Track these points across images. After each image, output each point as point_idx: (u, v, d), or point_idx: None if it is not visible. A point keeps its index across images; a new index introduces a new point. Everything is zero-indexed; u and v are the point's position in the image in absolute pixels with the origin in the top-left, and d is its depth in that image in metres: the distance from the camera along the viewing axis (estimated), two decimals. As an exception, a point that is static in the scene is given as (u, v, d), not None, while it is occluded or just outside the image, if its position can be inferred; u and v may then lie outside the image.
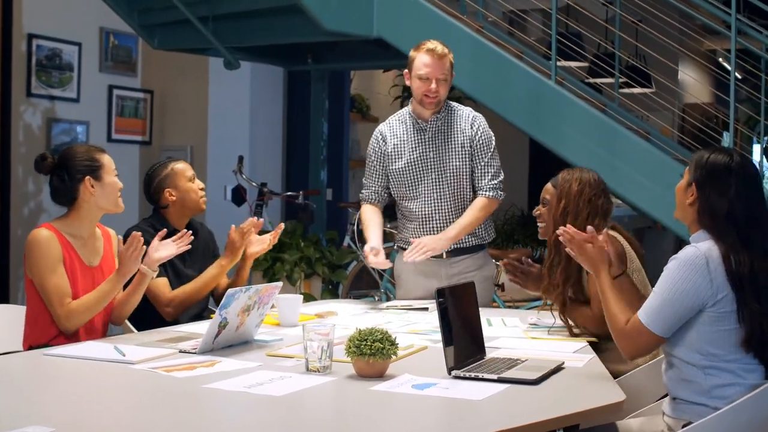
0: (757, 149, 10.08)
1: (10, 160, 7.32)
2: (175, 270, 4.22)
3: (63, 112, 7.84)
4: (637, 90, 9.16)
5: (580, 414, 2.52)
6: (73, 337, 3.60)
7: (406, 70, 4.54)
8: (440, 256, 4.54)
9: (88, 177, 3.70)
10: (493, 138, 4.58)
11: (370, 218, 4.65)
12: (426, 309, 4.27)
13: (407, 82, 4.54)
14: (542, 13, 10.03)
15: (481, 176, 4.53)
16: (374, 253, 4.43)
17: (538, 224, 3.99)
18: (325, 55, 7.82)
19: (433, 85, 4.42)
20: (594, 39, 8.31)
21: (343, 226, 8.44)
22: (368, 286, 7.34)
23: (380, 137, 4.63)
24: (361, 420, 2.47)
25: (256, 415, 2.48)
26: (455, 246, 4.53)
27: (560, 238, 3.18)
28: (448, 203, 4.53)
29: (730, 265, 2.79)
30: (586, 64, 9.19)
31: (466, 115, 4.57)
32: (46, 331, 3.61)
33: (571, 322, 3.75)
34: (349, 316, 4.14)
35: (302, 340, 2.93)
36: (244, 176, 7.49)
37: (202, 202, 4.35)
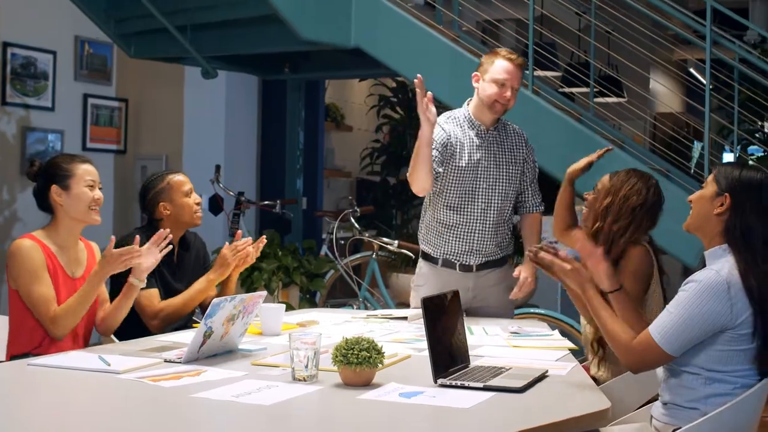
0: (728, 158, 10.18)
1: (-15, 169, 7.29)
2: (165, 283, 4.20)
3: (38, 120, 7.81)
4: (611, 99, 9.24)
5: (567, 421, 2.54)
6: (54, 346, 3.59)
7: (476, 72, 4.45)
8: (470, 269, 4.52)
9: (54, 185, 3.70)
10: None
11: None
12: (406, 318, 4.29)
13: (475, 84, 4.44)
14: (516, 23, 10.10)
15: (532, 194, 4.59)
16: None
17: (584, 209, 4.01)
18: (302, 64, 7.84)
19: (508, 93, 4.38)
20: (567, 48, 8.38)
21: (319, 235, 8.45)
22: (345, 295, 7.36)
23: (445, 127, 4.43)
24: (351, 429, 2.49)
25: (245, 424, 2.48)
26: (485, 259, 4.53)
27: (538, 259, 3.14)
28: (492, 214, 4.49)
29: (750, 284, 2.78)
30: (559, 74, 9.25)
31: (518, 132, 4.59)
32: (29, 340, 3.60)
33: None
34: (331, 325, 4.15)
35: (287, 349, 2.95)
36: (221, 185, 7.48)
37: (197, 217, 4.31)
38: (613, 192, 3.83)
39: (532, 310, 5.79)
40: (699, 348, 2.84)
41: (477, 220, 4.48)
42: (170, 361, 3.21)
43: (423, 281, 4.61)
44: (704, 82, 5.90)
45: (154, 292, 4.12)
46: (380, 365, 2.88)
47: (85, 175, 3.75)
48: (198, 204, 4.33)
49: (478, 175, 4.46)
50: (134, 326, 4.03)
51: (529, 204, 4.60)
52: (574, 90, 8.67)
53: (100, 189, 3.81)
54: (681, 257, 5.16)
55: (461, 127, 4.49)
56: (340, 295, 7.57)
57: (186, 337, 3.52)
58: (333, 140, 10.48)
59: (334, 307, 6.81)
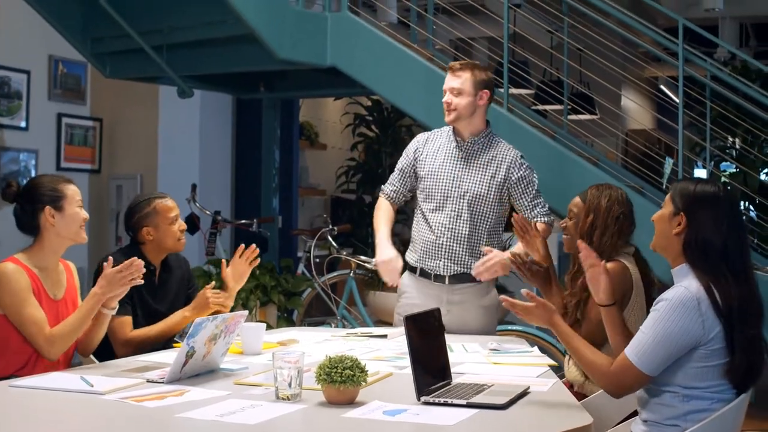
0: (699, 174, 10.28)
1: (-41, 189, 7.24)
2: (145, 305, 4.18)
3: (11, 140, 7.78)
4: (584, 117, 9.31)
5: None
6: (38, 367, 3.58)
7: None
8: (443, 282, 4.58)
9: (48, 207, 3.69)
10: (534, 173, 4.66)
11: (383, 213, 4.71)
12: (385, 336, 4.31)
13: None
14: (488, 40, 10.17)
15: (531, 209, 4.58)
16: (387, 265, 4.54)
17: (563, 236, 4.02)
18: (277, 83, 7.85)
19: (446, 97, 4.54)
20: (540, 66, 8.45)
21: (296, 254, 8.46)
22: (322, 313, 7.36)
23: (418, 142, 4.71)
24: (337, 447, 2.50)
25: (230, 444, 2.50)
26: (459, 272, 4.57)
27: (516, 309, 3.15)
28: (463, 223, 4.55)
29: (715, 299, 2.81)
30: (533, 91, 9.32)
31: (509, 152, 4.62)
32: (12, 362, 3.59)
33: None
34: (312, 344, 4.16)
35: (269, 368, 2.96)
36: (197, 204, 7.49)
37: (179, 244, 4.30)
38: (593, 208, 3.88)
39: (510, 327, 5.82)
40: (675, 366, 2.86)
41: (447, 226, 4.57)
42: (153, 381, 3.21)
43: (404, 290, 4.71)
44: (675, 99, 5.98)
45: (126, 320, 4.07)
46: (363, 383, 2.90)
47: (75, 195, 3.77)
48: (182, 231, 4.32)
49: (450, 183, 4.58)
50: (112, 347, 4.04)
51: (531, 215, 4.58)
52: (548, 107, 8.74)
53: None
54: (656, 272, 5.21)
55: (444, 137, 4.68)
56: (317, 314, 7.57)
57: (168, 357, 3.52)
58: (307, 158, 10.49)
59: (312, 325, 6.82)
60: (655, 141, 10.96)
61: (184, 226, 4.35)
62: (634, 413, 3.15)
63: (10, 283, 3.56)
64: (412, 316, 3.05)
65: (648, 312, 2.99)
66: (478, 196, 4.55)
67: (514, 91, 7.61)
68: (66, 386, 3.12)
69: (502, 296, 3.24)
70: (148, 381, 3.22)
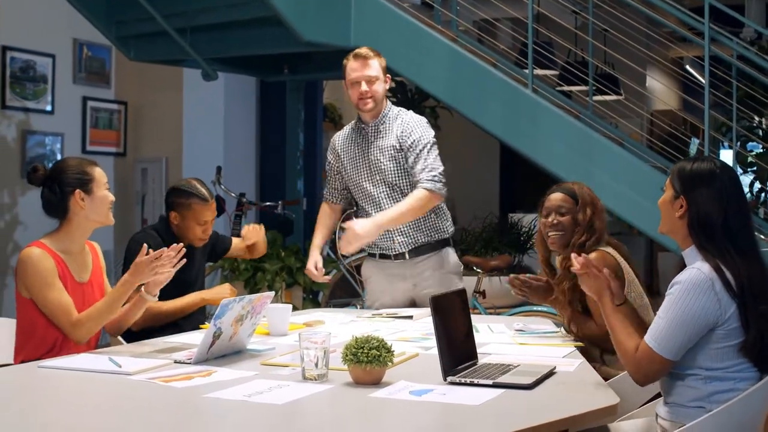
0: (725, 155, 10.21)
1: (-15, 172, 7.31)
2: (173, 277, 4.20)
3: (37, 124, 7.82)
4: (609, 97, 9.26)
5: (577, 417, 2.56)
6: (65, 350, 3.61)
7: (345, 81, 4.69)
8: (402, 257, 4.67)
9: (78, 190, 3.70)
10: (429, 135, 4.62)
11: (320, 219, 4.88)
12: (411, 317, 4.31)
13: (348, 92, 4.68)
14: (513, 21, 10.12)
15: (418, 171, 4.57)
16: (310, 273, 4.72)
17: (552, 233, 3.99)
18: (301, 65, 7.85)
19: (363, 87, 4.57)
20: (565, 47, 8.40)
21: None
22: (348, 294, 7.36)
23: (332, 148, 4.81)
24: (364, 427, 2.51)
25: (258, 424, 2.51)
26: (416, 245, 4.65)
27: (574, 265, 3.08)
28: (388, 202, 4.63)
29: (725, 278, 2.80)
30: (557, 72, 9.27)
31: (401, 118, 4.67)
32: (39, 345, 3.61)
33: (575, 331, 3.82)
34: (338, 325, 4.18)
35: (295, 348, 2.97)
36: (222, 187, 7.50)
37: (197, 242, 4.40)
38: (589, 202, 3.97)
39: (536, 308, 5.81)
40: (695, 348, 2.84)
41: (376, 210, 4.64)
42: (180, 362, 3.23)
43: (368, 275, 4.85)
44: (701, 79, 5.93)
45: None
46: (390, 364, 2.90)
47: (102, 178, 3.79)
48: (207, 234, 4.41)
49: (361, 169, 4.68)
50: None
51: (416, 179, 4.56)
52: (572, 88, 8.69)
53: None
54: (677, 250, 5.19)
55: (348, 131, 4.79)
56: (343, 295, 7.57)
57: (195, 339, 3.54)
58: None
59: (337, 306, 6.83)
60: (681, 122, 10.89)
61: (210, 231, 4.40)
62: (658, 395, 3.14)
63: (36, 268, 3.58)
64: (438, 296, 3.05)
65: (643, 290, 3.00)
66: (389, 175, 4.62)
67: (538, 72, 7.56)
68: (94, 367, 3.14)
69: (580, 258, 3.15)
70: (175, 362, 3.24)
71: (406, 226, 4.63)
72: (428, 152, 4.58)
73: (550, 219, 4.02)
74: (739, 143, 7.78)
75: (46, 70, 7.88)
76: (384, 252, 4.72)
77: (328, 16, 6.07)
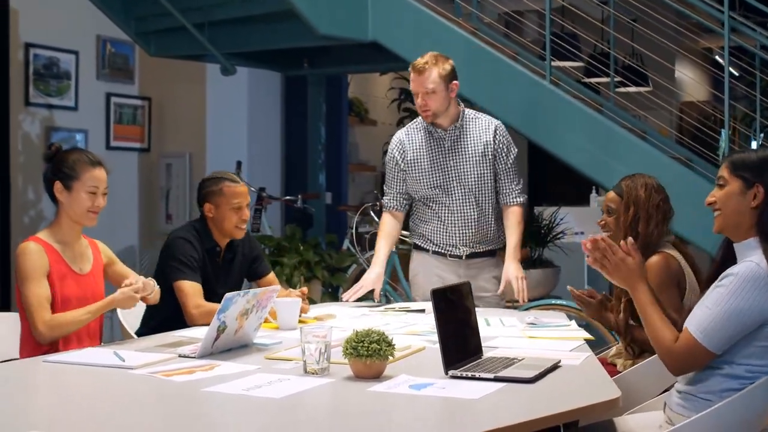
0: (753, 147, 10.08)
1: (10, 168, 7.34)
2: (206, 283, 4.17)
3: (61, 120, 7.86)
4: (633, 89, 9.18)
5: (574, 411, 2.53)
6: (70, 345, 3.60)
7: None
8: (459, 257, 4.63)
9: (58, 182, 3.70)
10: (513, 144, 4.65)
11: (383, 230, 4.77)
12: (423, 311, 4.29)
13: None
14: (538, 15, 10.06)
15: (507, 182, 4.60)
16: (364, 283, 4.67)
17: (604, 234, 3.94)
18: (322, 59, 7.84)
19: (419, 100, 4.50)
20: (590, 39, 8.34)
21: (343, 230, 8.46)
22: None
23: (399, 145, 4.68)
24: (359, 421, 2.49)
25: (254, 418, 2.50)
26: (473, 251, 4.64)
27: (590, 257, 3.01)
28: (473, 211, 4.60)
29: None
30: (581, 65, 9.20)
31: (485, 123, 4.61)
32: (40, 345, 3.60)
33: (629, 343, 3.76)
34: (348, 319, 4.16)
35: (300, 342, 2.95)
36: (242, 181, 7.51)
37: (238, 231, 4.28)
38: (633, 200, 3.82)
39: (554, 301, 5.77)
40: (737, 343, 2.76)
41: (455, 214, 4.61)
42: (185, 356, 3.23)
43: (417, 271, 4.78)
44: (731, 70, 5.85)
45: (198, 287, 4.09)
46: (391, 357, 2.88)
47: (89, 181, 3.70)
48: (244, 220, 4.29)
49: (448, 176, 4.59)
50: (154, 318, 4.06)
51: (505, 193, 4.63)
52: (596, 80, 8.62)
53: (104, 195, 3.76)
54: (702, 245, 5.13)
55: (422, 132, 4.65)
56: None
57: (202, 333, 3.53)
58: (357, 135, 10.48)
59: (357, 301, 6.80)
60: (710, 114, 10.78)
61: (247, 216, 4.31)
62: (667, 389, 3.09)
63: (26, 262, 3.57)
64: (441, 289, 3.03)
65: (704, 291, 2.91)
66: (476, 182, 4.58)
67: (559, 63, 7.50)
68: (98, 361, 3.14)
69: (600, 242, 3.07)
70: (180, 356, 3.24)
71: (469, 235, 4.63)
72: (515, 164, 4.63)
73: (601, 219, 3.96)
74: (762, 135, 7.68)
75: (69, 67, 7.91)
76: (439, 250, 4.69)
77: (345, 10, 6.05)
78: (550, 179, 11.48)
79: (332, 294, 6.55)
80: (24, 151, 7.56)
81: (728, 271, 2.78)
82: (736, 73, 6.52)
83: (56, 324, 3.55)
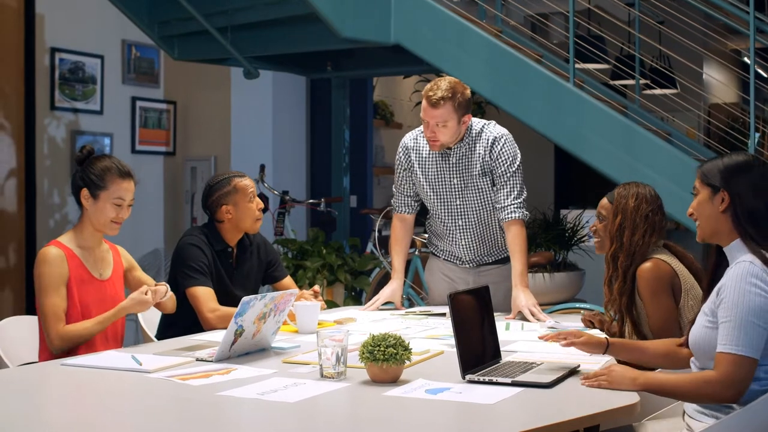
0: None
1: (35, 172, 7.38)
2: (221, 286, 4.16)
3: (87, 124, 7.90)
4: (659, 91, 9.12)
5: (591, 417, 2.51)
6: (91, 348, 3.61)
7: None
8: (469, 266, 4.60)
9: (85, 189, 3.69)
10: (518, 157, 4.49)
11: (395, 238, 4.72)
12: (444, 314, 4.27)
13: None
14: (564, 18, 10.02)
15: (503, 195, 4.46)
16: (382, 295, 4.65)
17: (594, 240, 3.92)
18: (345, 62, 7.84)
19: (428, 131, 4.37)
20: (616, 42, 8.30)
21: (368, 233, 8.45)
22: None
23: (405, 152, 4.61)
24: (373, 425, 2.48)
25: (268, 422, 2.49)
26: (483, 260, 4.61)
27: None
28: (474, 229, 4.55)
29: None
30: (607, 67, 9.16)
31: (486, 139, 4.47)
32: None
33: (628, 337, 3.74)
34: (369, 323, 4.15)
35: (317, 346, 2.94)
36: (265, 184, 7.52)
37: (257, 224, 4.27)
38: (621, 209, 3.80)
39: (577, 305, 5.73)
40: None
41: (460, 228, 4.56)
42: (202, 360, 3.23)
43: (431, 274, 4.78)
44: (761, 72, 5.81)
45: (210, 292, 4.06)
46: (407, 362, 2.87)
47: (115, 193, 3.69)
48: (260, 209, 4.29)
49: (451, 193, 4.52)
50: (174, 327, 4.06)
51: (502, 206, 4.46)
52: (622, 83, 8.58)
53: (130, 206, 3.74)
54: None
55: (426, 147, 4.55)
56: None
57: (219, 336, 3.53)
58: (383, 138, 10.47)
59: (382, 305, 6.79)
60: (738, 117, 10.70)
61: (262, 205, 4.32)
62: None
63: (45, 268, 3.56)
64: (458, 293, 3.01)
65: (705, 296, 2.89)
66: (478, 196, 4.50)
67: (583, 65, 7.46)
68: (115, 365, 3.15)
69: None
70: (197, 360, 3.24)
71: (473, 248, 4.59)
72: (515, 174, 4.47)
73: (591, 226, 3.95)
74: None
75: (94, 71, 7.95)
76: (449, 258, 4.67)
77: (368, 13, 6.03)
78: (576, 182, 11.43)
79: (355, 297, 6.54)
80: (50, 155, 7.60)
81: (723, 281, 2.78)
82: (765, 74, 6.45)
83: (68, 336, 3.53)
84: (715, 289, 2.82)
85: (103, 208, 3.69)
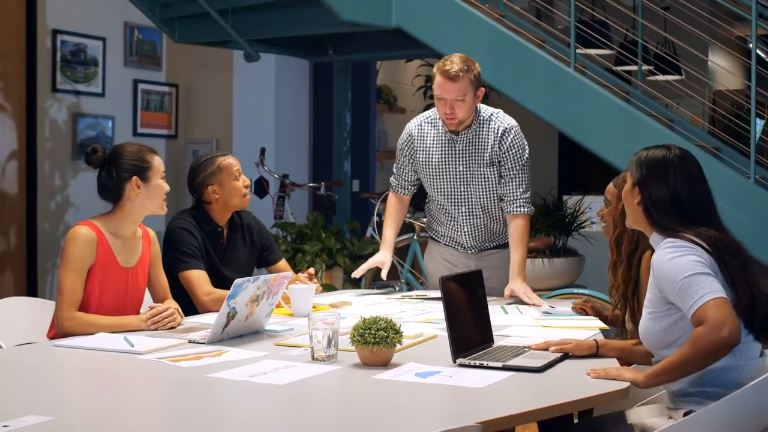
0: None
1: (37, 154, 7.38)
2: (212, 267, 4.16)
3: (88, 106, 7.89)
4: (663, 78, 9.08)
5: (580, 401, 2.50)
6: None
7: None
8: (471, 251, 4.59)
9: (135, 177, 3.64)
10: (527, 150, 4.47)
11: (389, 213, 4.74)
12: (440, 299, 4.25)
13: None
14: (568, 3, 9.97)
15: (512, 188, 4.44)
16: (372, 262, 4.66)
17: (602, 224, 3.94)
18: (347, 45, 7.81)
19: (447, 109, 4.31)
20: (620, 28, 8.26)
21: (368, 218, 8.44)
22: (393, 276, 7.32)
23: (409, 139, 4.56)
24: (360, 408, 2.47)
25: (257, 404, 2.48)
26: (485, 246, 4.60)
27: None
28: (477, 215, 4.53)
29: (696, 242, 2.77)
30: (610, 52, 9.12)
31: (496, 129, 4.43)
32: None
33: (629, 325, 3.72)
34: (364, 306, 4.14)
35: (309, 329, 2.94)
36: (265, 168, 7.50)
37: (245, 200, 4.29)
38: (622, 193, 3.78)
39: (577, 290, 5.72)
40: (683, 324, 2.75)
41: (463, 214, 4.54)
42: (194, 342, 3.23)
43: (431, 259, 4.77)
44: (762, 58, 5.77)
45: (203, 275, 4.06)
46: (398, 345, 2.86)
47: (159, 167, 3.72)
48: (246, 187, 4.30)
49: (455, 179, 4.49)
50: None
51: (509, 200, 4.45)
52: (625, 68, 8.54)
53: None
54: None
55: (436, 128, 4.51)
56: (389, 277, 7.53)
57: (213, 319, 3.52)
58: (386, 122, 10.45)
59: (380, 288, 6.79)
60: (743, 104, 10.64)
61: (248, 182, 4.32)
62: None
63: (73, 247, 3.53)
64: (450, 277, 3.01)
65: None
66: (483, 187, 4.48)
67: (585, 51, 7.42)
68: (107, 346, 3.15)
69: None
70: (189, 341, 3.24)
71: (476, 235, 4.58)
72: (524, 171, 4.45)
73: (599, 211, 3.95)
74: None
75: (97, 53, 7.93)
76: (450, 243, 4.66)
77: (368, -5, 6.00)
78: (581, 168, 11.40)
79: (355, 281, 6.52)
80: (51, 138, 7.59)
81: (652, 271, 2.82)
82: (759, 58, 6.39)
83: (76, 322, 3.48)
84: (650, 283, 2.85)
85: (157, 187, 3.70)
